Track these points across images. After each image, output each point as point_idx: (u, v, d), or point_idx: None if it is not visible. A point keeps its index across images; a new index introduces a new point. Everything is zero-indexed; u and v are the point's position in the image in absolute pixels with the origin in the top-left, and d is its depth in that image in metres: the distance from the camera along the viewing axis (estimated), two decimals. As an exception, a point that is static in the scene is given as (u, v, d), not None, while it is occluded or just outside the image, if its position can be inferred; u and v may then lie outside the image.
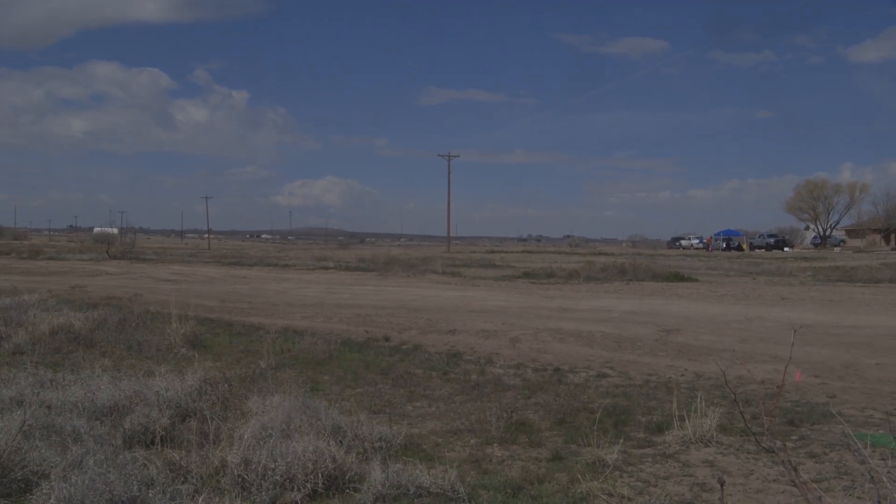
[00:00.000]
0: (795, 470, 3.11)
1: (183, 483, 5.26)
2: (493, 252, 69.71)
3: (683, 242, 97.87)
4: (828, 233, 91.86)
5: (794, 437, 6.80)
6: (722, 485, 3.89)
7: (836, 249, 77.10)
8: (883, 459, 5.83)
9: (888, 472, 3.77)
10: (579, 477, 5.52)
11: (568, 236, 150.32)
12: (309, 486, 5.26)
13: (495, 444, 6.56)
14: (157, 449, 6.10)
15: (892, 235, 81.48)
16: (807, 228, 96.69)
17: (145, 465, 5.42)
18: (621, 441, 6.43)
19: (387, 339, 12.77)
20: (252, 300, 19.98)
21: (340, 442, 5.99)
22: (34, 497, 4.91)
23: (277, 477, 5.26)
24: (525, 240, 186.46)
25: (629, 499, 5.27)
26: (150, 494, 4.90)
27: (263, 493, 5.16)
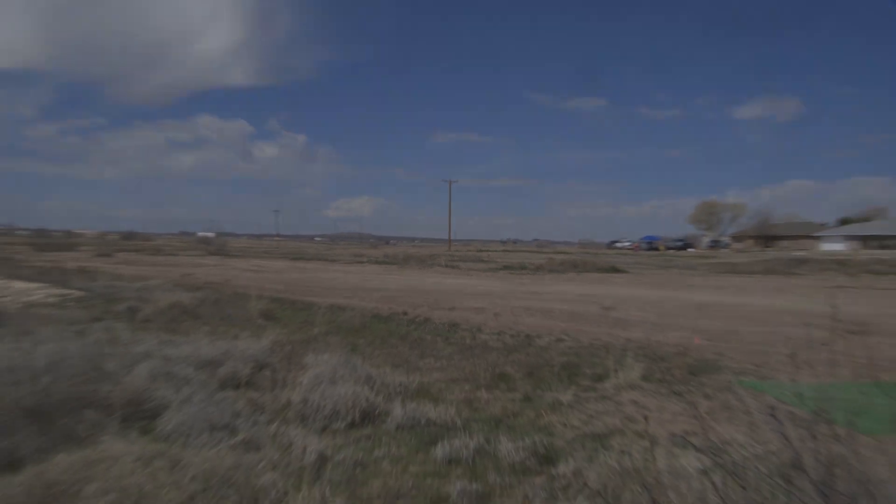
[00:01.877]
0: (695, 406, 3.14)
1: (261, 415, 5.30)
2: (481, 251, 69.48)
3: (618, 244, 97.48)
4: (719, 238, 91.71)
5: (693, 384, 6.81)
6: (646, 418, 3.91)
7: (724, 250, 76.84)
8: (753, 398, 5.86)
9: (756, 406, 3.79)
10: (543, 413, 5.55)
11: (536, 239, 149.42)
12: (350, 418, 5.29)
13: (483, 390, 6.57)
14: (242, 391, 6.13)
15: (762, 240, 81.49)
16: (704, 235, 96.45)
17: (234, 401, 5.45)
18: (573, 387, 6.45)
19: (405, 313, 12.73)
20: (309, 285, 19.97)
21: (371, 387, 6.01)
22: (162, 420, 4.95)
23: (327, 411, 5.30)
24: (505, 242, 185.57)
25: (578, 427, 5.30)
26: (238, 422, 4.94)
27: (317, 423, 5.19)
